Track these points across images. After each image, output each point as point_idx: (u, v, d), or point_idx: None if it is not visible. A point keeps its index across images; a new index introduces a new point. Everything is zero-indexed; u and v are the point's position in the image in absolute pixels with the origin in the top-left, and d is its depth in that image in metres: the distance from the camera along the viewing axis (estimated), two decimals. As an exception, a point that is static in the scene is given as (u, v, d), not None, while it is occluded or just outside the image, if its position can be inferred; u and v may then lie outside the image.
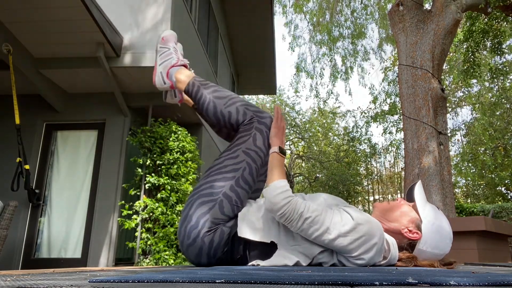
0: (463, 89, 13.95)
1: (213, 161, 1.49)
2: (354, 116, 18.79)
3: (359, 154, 16.61)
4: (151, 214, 3.92)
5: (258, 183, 1.54)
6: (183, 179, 4.20)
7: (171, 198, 4.02)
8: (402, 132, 8.56)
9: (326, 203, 1.41)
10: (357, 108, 23.07)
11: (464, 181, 17.33)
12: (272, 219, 1.37)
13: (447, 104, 10.46)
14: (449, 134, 11.50)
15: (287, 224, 1.28)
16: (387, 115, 13.65)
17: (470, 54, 7.07)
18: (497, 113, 12.58)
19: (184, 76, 1.64)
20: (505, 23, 7.28)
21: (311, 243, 1.31)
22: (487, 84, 12.70)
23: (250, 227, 1.35)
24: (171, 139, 4.22)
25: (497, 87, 12.04)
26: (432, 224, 1.37)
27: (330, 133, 18.53)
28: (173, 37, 1.78)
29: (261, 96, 17.77)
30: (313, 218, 1.25)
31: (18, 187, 3.61)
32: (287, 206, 1.26)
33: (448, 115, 13.30)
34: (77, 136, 4.54)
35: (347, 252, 1.27)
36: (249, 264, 1.36)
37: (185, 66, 1.70)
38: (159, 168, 4.14)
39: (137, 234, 3.99)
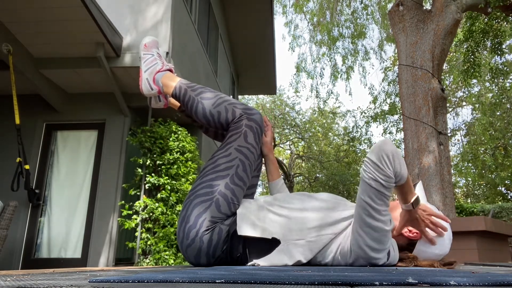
0: (463, 89, 13.94)
1: (206, 161, 1.50)
2: (354, 116, 18.78)
3: (359, 154, 16.61)
4: (151, 214, 3.93)
5: (253, 178, 1.56)
6: (183, 179, 4.20)
7: (171, 198, 4.02)
8: (402, 132, 8.55)
9: (336, 200, 1.44)
10: (357, 108, 23.08)
11: (464, 181, 17.33)
12: (272, 218, 1.38)
13: (447, 104, 10.46)
14: (449, 134, 11.50)
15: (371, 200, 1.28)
16: (387, 115, 13.64)
17: (470, 54, 7.05)
18: (498, 113, 12.56)
19: (171, 80, 1.66)
20: (505, 23, 7.27)
21: (319, 236, 1.32)
22: (487, 84, 12.69)
23: (250, 224, 1.37)
24: (171, 139, 4.22)
25: (497, 87, 12.02)
26: None
27: (330, 133, 18.52)
28: (155, 43, 1.79)
29: (261, 96, 17.76)
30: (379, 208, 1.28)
31: (18, 187, 3.61)
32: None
33: (448, 115, 13.30)
34: (77, 136, 4.54)
35: (372, 249, 1.28)
36: (249, 263, 1.36)
37: (170, 70, 1.72)
38: (159, 168, 4.14)
39: (137, 234, 3.99)
